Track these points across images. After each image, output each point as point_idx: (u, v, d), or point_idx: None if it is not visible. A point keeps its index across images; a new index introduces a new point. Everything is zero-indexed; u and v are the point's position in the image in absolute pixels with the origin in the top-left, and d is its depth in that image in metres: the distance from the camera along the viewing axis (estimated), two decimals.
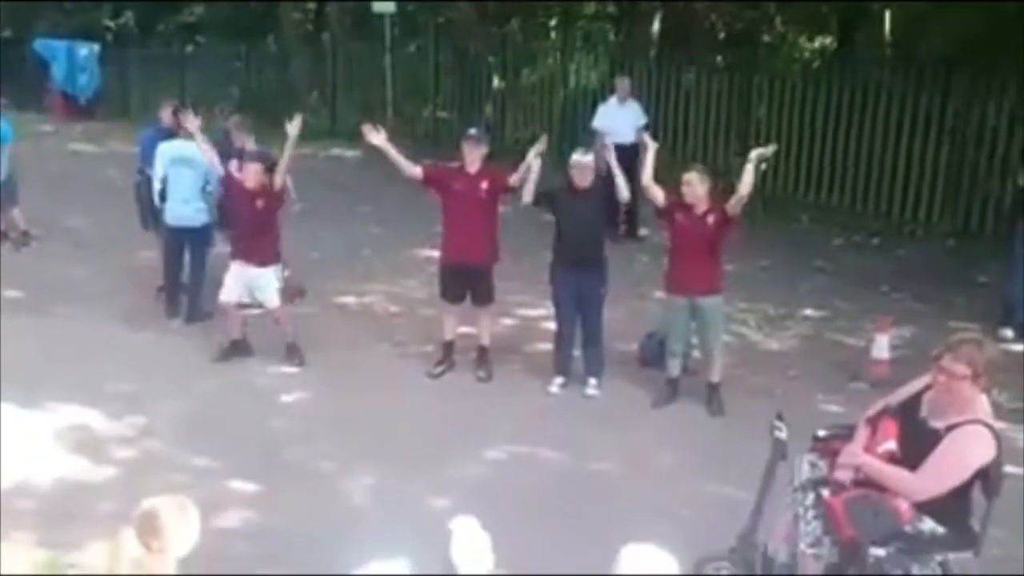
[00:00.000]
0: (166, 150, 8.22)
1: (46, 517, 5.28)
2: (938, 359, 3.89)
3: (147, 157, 8.53)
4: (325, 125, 16.42)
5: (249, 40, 18.44)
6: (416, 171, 7.12)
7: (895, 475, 3.89)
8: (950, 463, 3.81)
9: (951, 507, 3.89)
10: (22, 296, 8.65)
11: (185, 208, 8.15)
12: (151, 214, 8.58)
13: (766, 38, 15.48)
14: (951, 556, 3.97)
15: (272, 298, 7.47)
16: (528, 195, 6.87)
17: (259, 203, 7.33)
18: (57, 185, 12.48)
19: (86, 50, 18.80)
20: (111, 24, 20.62)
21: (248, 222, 7.38)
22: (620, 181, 6.90)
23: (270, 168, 7.33)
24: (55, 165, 13.87)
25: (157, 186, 8.24)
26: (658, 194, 6.69)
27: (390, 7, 15.10)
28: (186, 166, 8.10)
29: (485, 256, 7.19)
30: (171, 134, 8.46)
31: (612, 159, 7.05)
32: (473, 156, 7.04)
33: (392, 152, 7.10)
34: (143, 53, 19.15)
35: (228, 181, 7.53)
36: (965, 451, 3.81)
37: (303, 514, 5.37)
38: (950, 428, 3.84)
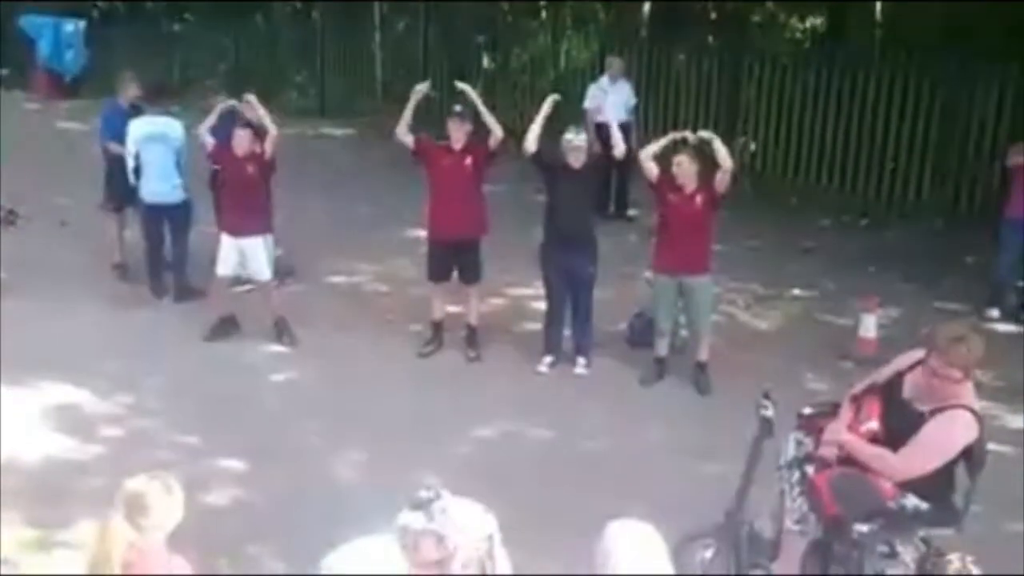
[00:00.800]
0: (137, 127, 8.15)
1: (34, 496, 5.29)
2: (928, 355, 3.87)
3: (112, 133, 8.43)
4: (315, 104, 16.33)
5: (238, 19, 18.28)
6: (408, 139, 7.13)
7: (877, 455, 3.92)
8: (933, 446, 3.85)
9: (934, 484, 3.93)
10: (8, 276, 8.61)
11: (162, 184, 8.11)
12: (124, 192, 8.46)
13: (756, 18, 15.43)
14: (933, 532, 4.01)
15: (263, 269, 7.47)
16: (532, 143, 6.83)
17: (250, 169, 7.35)
18: (43, 163, 12.40)
19: (72, 26, 18.60)
20: (98, 2, 20.44)
21: (240, 189, 7.38)
22: (616, 134, 7.08)
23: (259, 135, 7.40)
24: (41, 143, 13.77)
25: (131, 163, 8.17)
26: (653, 169, 6.70)
27: None
28: (159, 142, 8.07)
29: (472, 229, 7.20)
30: (137, 110, 8.40)
31: (613, 126, 7.28)
32: (458, 134, 7.04)
33: (411, 106, 7.11)
34: (130, 31, 18.98)
35: (218, 150, 7.56)
36: (948, 435, 3.84)
37: (292, 492, 5.39)
38: (934, 412, 3.86)
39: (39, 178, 11.40)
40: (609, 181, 10.20)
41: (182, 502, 3.27)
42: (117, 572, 3.09)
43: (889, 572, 3.97)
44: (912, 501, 3.95)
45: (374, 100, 15.74)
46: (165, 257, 8.39)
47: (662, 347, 7.00)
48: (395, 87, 15.68)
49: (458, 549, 2.84)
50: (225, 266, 7.44)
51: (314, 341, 7.51)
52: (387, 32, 16.18)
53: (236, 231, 7.39)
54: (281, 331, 7.53)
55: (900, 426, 3.91)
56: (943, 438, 3.83)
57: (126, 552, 3.13)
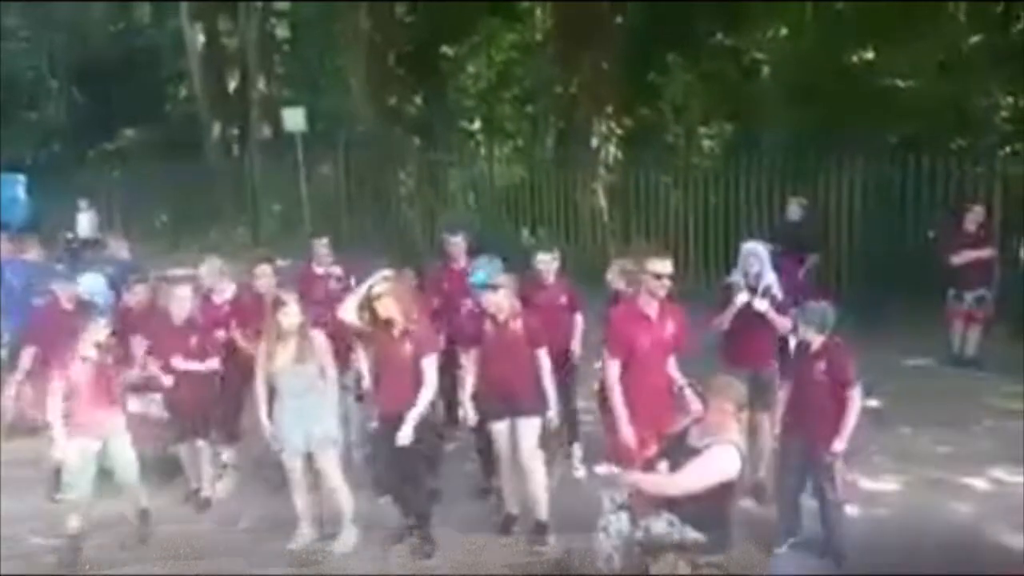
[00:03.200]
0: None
1: None
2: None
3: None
4: (248, 241, 16.57)
5: (177, 162, 18.51)
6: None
7: (654, 480, 4.90)
8: (697, 467, 4.77)
9: (710, 516, 4.78)
10: None
11: None
12: None
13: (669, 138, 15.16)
14: (704, 559, 4.76)
15: None
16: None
17: None
18: None
19: (14, 181, 18.92)
20: (35, 157, 20.93)
21: None
22: None
23: None
24: None
25: None
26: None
27: (299, 123, 15.24)
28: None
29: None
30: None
31: None
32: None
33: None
34: (71, 180, 19.22)
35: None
36: (711, 461, 4.77)
37: None
38: (707, 446, 4.81)
39: None
40: None
41: None
42: None
43: None
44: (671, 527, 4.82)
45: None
46: None
47: None
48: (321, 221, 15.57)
49: None
50: None
51: None
52: (313, 169, 16.30)
53: None
54: None
55: (682, 461, 4.84)
56: (707, 462, 4.76)
57: None
